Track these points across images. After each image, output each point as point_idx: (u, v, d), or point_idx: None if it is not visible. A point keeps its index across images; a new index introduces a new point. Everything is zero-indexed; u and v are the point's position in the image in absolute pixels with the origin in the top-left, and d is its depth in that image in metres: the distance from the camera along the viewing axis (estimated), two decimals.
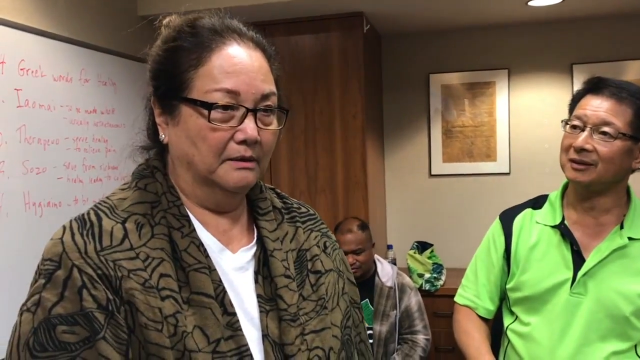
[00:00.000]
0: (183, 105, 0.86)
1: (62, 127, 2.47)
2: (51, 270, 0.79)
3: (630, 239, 1.45)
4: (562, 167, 1.50)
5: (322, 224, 1.07)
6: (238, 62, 0.85)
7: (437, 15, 3.34)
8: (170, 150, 0.91)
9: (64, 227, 0.83)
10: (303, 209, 1.06)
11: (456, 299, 1.72)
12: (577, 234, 1.50)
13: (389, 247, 3.58)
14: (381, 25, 3.50)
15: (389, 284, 2.59)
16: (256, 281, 0.92)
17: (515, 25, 3.59)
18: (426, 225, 3.78)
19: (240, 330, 0.85)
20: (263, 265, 0.93)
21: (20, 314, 0.80)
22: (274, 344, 0.88)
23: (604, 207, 1.49)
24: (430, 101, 3.73)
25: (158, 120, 0.90)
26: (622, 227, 1.47)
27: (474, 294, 1.67)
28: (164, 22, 0.93)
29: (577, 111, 1.47)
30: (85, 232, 0.81)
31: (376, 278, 2.61)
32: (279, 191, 1.05)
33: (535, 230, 1.56)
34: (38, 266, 0.82)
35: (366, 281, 2.61)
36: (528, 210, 1.61)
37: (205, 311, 0.82)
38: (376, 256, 2.73)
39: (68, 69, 2.53)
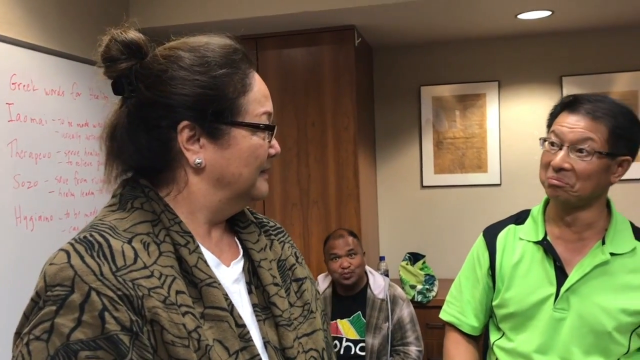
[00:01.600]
0: (235, 129, 0.90)
1: (53, 141, 2.48)
2: (63, 296, 0.76)
3: (612, 254, 1.46)
4: (542, 183, 1.51)
5: (289, 236, 1.13)
6: (265, 86, 0.96)
7: (428, 29, 3.38)
8: (201, 173, 0.91)
9: (67, 251, 0.79)
10: (272, 223, 1.10)
11: (441, 315, 1.72)
12: (559, 250, 1.51)
13: (381, 258, 3.58)
14: (372, 38, 3.53)
15: (380, 296, 2.59)
16: (250, 291, 0.96)
17: (505, 38, 3.63)
18: (418, 237, 3.79)
19: (252, 340, 0.88)
20: (253, 276, 0.98)
21: (27, 344, 0.75)
22: (276, 349, 0.92)
23: (585, 221, 1.50)
24: (422, 113, 3.75)
25: (186, 145, 0.89)
26: (603, 243, 1.48)
27: (459, 310, 1.67)
28: (175, 45, 0.94)
29: (554, 127, 1.48)
30: (95, 254, 0.79)
31: (368, 290, 2.61)
32: (247, 207, 1.08)
33: (519, 246, 1.57)
34: (38, 294, 0.78)
35: (358, 293, 2.61)
36: (511, 227, 1.62)
37: (223, 324, 0.85)
38: (368, 268, 2.73)
39: (60, 83, 2.54)
